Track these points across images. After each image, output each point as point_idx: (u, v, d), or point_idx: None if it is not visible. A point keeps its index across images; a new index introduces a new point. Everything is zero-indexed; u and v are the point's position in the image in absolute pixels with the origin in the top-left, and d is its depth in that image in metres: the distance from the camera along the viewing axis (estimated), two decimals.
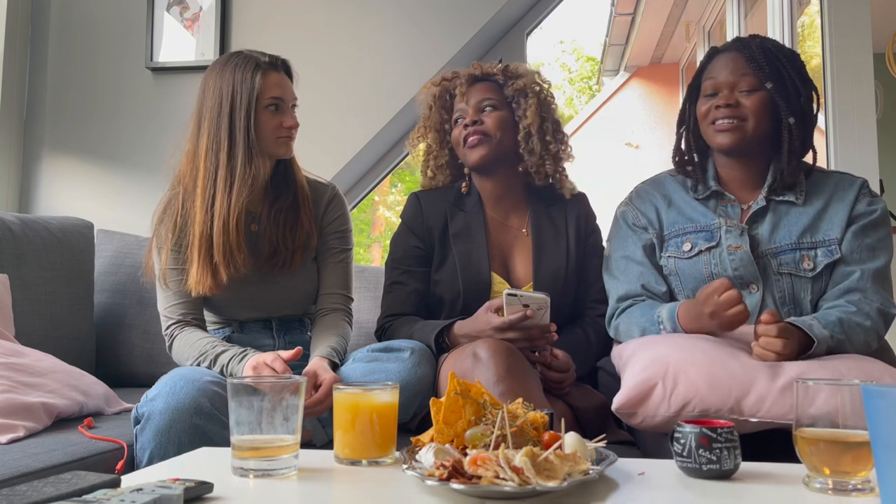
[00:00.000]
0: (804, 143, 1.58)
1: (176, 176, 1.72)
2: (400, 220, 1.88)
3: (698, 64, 1.71)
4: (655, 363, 1.37)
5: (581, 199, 1.88)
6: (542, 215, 1.82)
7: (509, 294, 1.53)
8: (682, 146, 1.69)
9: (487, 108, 1.78)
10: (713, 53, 1.64)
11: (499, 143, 1.77)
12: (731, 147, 1.57)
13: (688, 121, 1.67)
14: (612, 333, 1.67)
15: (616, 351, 1.59)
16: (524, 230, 1.82)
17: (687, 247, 1.60)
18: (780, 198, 1.59)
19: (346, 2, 2.64)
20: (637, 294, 1.63)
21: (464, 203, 1.83)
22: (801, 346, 1.40)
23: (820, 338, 1.39)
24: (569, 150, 1.86)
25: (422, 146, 1.92)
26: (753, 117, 1.55)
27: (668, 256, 1.63)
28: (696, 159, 1.66)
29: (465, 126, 1.77)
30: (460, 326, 1.63)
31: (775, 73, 1.55)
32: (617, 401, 1.38)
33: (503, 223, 1.82)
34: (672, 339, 1.45)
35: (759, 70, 1.54)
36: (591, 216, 1.87)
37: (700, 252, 1.59)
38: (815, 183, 1.61)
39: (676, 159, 1.69)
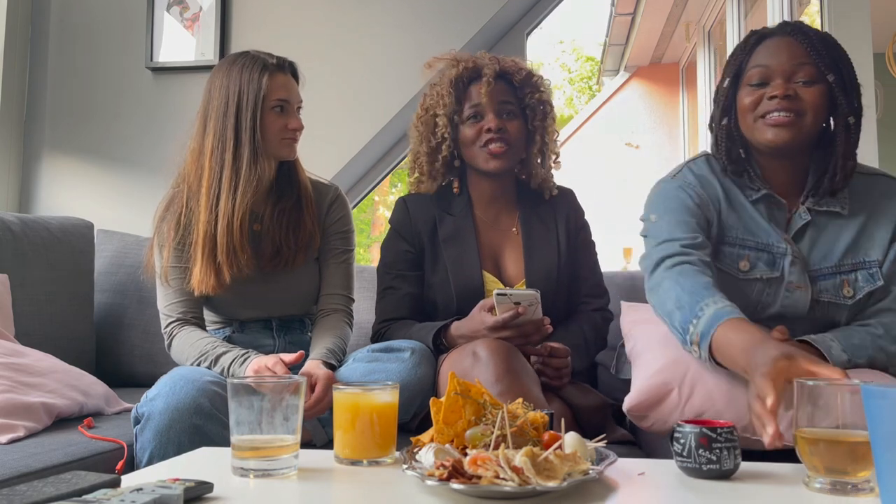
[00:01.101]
0: (856, 146, 1.42)
1: (179, 174, 1.73)
2: (389, 226, 1.86)
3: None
4: (673, 366, 1.31)
5: (569, 195, 1.88)
6: (532, 214, 1.82)
7: (499, 294, 1.53)
8: (727, 143, 1.48)
9: (506, 115, 1.75)
10: (761, 37, 1.44)
11: (517, 153, 1.78)
12: (783, 145, 1.39)
13: (730, 112, 1.47)
14: (648, 282, 1.42)
15: (627, 329, 1.53)
16: (514, 229, 1.81)
17: (744, 265, 1.43)
18: (824, 208, 1.44)
19: (346, 3, 2.64)
20: (697, 244, 1.38)
21: (452, 206, 1.81)
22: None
23: (836, 362, 1.29)
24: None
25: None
26: (812, 112, 1.37)
27: (718, 268, 1.43)
28: (742, 155, 1.47)
29: (488, 130, 1.72)
30: (457, 327, 1.63)
31: (834, 64, 1.37)
32: (629, 401, 1.33)
33: (493, 224, 1.82)
34: None
35: (819, 59, 1.36)
36: (580, 212, 1.87)
37: (759, 279, 1.42)
38: (857, 188, 1.45)
39: (724, 159, 1.49)
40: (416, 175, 1.86)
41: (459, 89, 1.76)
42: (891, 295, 1.42)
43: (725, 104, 1.47)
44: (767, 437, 1.02)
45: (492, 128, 1.72)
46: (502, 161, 1.74)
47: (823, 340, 1.33)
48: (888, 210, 1.44)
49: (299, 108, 1.72)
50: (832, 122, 1.43)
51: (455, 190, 1.82)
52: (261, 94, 1.63)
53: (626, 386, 1.78)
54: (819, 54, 1.37)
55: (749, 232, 1.45)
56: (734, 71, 1.46)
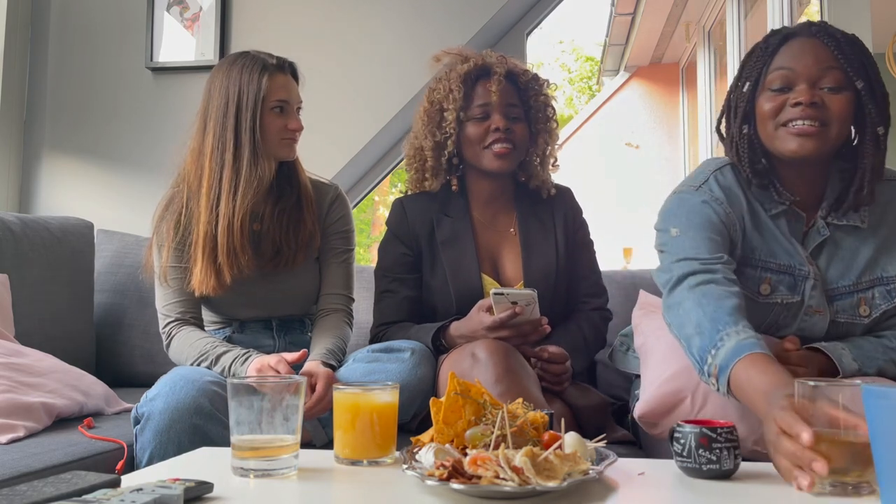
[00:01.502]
0: (884, 159, 1.34)
1: (179, 174, 1.73)
2: (386, 228, 1.85)
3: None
4: (686, 373, 1.28)
5: (567, 194, 1.87)
6: (530, 214, 1.81)
7: (496, 293, 1.53)
8: (749, 153, 1.37)
9: (513, 117, 1.74)
10: (784, 38, 1.35)
11: (521, 154, 1.77)
12: (807, 156, 1.30)
13: (750, 120, 1.37)
14: (667, 299, 1.32)
15: (637, 321, 1.50)
16: (512, 230, 1.80)
17: (765, 289, 1.36)
18: (843, 222, 1.37)
19: (346, 3, 2.64)
20: (723, 262, 1.28)
21: (449, 207, 1.79)
22: (824, 373, 1.29)
23: (847, 371, 1.28)
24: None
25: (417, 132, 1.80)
26: (838, 122, 1.28)
27: None
28: (766, 166, 1.37)
29: (496, 129, 1.70)
30: (456, 327, 1.63)
31: (863, 70, 1.29)
32: (640, 409, 1.32)
33: (491, 224, 1.81)
34: None
35: (847, 64, 1.27)
36: (577, 211, 1.86)
37: (778, 303, 1.36)
38: (878, 197, 1.37)
39: (747, 171, 1.37)
40: (416, 172, 1.82)
41: (468, 85, 1.74)
42: None
43: (746, 110, 1.37)
44: (804, 484, 0.90)
45: (500, 127, 1.70)
46: (507, 162, 1.73)
47: (835, 349, 1.31)
48: None
49: (299, 108, 1.72)
50: (853, 131, 1.36)
51: (454, 188, 1.80)
52: (260, 95, 1.63)
53: (625, 382, 1.78)
54: (847, 58, 1.28)
55: (771, 253, 1.37)
56: (755, 75, 1.36)
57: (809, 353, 1.32)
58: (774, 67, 1.33)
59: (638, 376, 1.55)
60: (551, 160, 1.84)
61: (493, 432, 0.98)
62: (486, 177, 1.79)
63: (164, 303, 1.70)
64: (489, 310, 1.56)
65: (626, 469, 1.04)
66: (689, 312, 1.24)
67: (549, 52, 14.73)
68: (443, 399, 1.06)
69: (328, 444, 1.45)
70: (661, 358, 1.36)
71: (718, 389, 1.18)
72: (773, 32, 1.38)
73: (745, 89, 1.37)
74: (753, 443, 1.23)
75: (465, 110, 1.73)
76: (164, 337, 1.69)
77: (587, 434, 1.13)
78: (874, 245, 1.37)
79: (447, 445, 1.01)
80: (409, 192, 1.86)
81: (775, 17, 2.92)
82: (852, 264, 1.37)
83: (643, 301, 1.62)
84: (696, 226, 1.34)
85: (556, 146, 1.84)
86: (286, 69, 1.70)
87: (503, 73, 1.72)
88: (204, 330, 1.71)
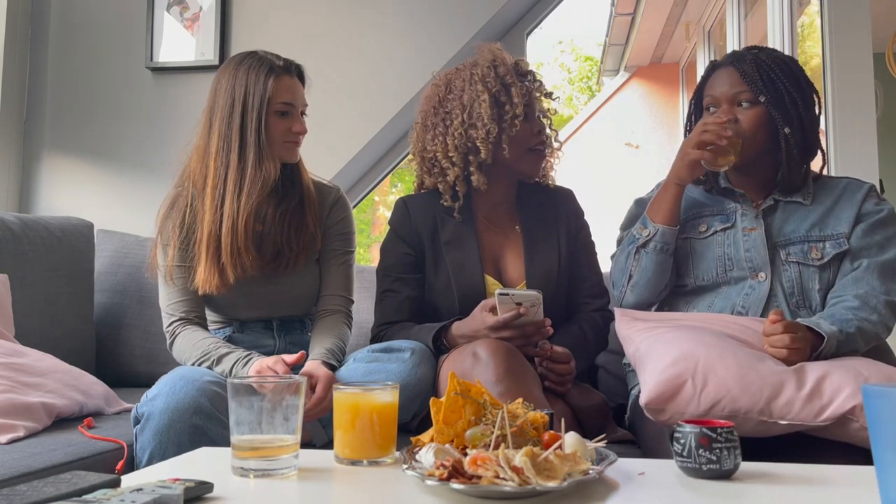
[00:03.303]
0: (805, 148, 1.59)
1: (184, 172, 1.72)
2: (388, 227, 1.84)
3: (699, 75, 1.72)
4: (683, 360, 1.33)
5: (569, 195, 1.87)
6: (533, 216, 1.81)
7: (501, 294, 1.52)
8: None
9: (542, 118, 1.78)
10: (711, 69, 1.67)
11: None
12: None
13: None
14: (611, 284, 1.70)
15: (625, 333, 1.53)
16: (516, 231, 1.80)
17: (703, 227, 1.63)
18: (788, 199, 1.61)
19: (346, 3, 2.65)
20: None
21: (453, 208, 1.77)
22: (812, 344, 1.39)
23: (829, 333, 1.38)
24: None
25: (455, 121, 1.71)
26: (752, 131, 1.57)
27: (684, 238, 1.63)
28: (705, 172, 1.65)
29: (539, 132, 1.73)
30: (458, 327, 1.63)
31: (769, 84, 1.57)
32: (646, 396, 1.34)
33: (495, 224, 1.80)
34: (696, 335, 1.39)
35: (752, 84, 1.57)
36: (579, 213, 1.86)
37: (715, 232, 1.61)
38: (822, 186, 1.63)
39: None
40: (457, 167, 1.71)
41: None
42: (860, 268, 1.53)
43: (689, 127, 1.69)
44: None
45: (542, 130, 1.74)
46: (541, 163, 1.78)
47: (811, 320, 1.43)
48: (852, 197, 1.59)
49: (304, 111, 1.72)
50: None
51: (484, 187, 1.74)
52: (266, 97, 1.63)
53: (626, 387, 1.78)
54: (751, 79, 1.57)
55: (705, 206, 1.67)
56: (696, 101, 1.69)
57: (794, 322, 1.40)
58: (706, 94, 1.65)
59: (636, 385, 1.56)
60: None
61: (493, 432, 0.98)
62: (502, 178, 1.78)
63: (169, 301, 1.70)
64: (492, 310, 1.56)
65: (626, 469, 1.04)
66: (616, 260, 1.67)
67: (549, 52, 14.73)
68: (443, 399, 1.06)
69: (328, 444, 1.45)
70: (658, 352, 1.39)
71: (651, 231, 1.57)
72: (709, 63, 1.71)
73: (690, 110, 1.72)
74: (759, 412, 1.27)
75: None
76: (167, 336, 1.69)
77: (587, 435, 1.13)
78: (819, 213, 1.60)
79: (447, 445, 1.01)
80: (444, 192, 1.77)
81: (775, 18, 2.92)
82: (801, 225, 1.59)
83: (621, 313, 1.62)
84: (628, 226, 1.72)
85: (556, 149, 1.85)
86: (293, 71, 1.69)
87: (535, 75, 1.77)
88: (208, 329, 1.71)
